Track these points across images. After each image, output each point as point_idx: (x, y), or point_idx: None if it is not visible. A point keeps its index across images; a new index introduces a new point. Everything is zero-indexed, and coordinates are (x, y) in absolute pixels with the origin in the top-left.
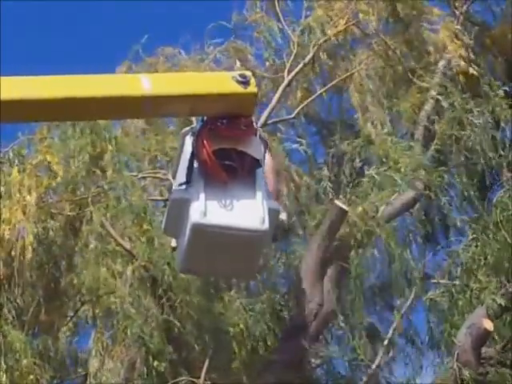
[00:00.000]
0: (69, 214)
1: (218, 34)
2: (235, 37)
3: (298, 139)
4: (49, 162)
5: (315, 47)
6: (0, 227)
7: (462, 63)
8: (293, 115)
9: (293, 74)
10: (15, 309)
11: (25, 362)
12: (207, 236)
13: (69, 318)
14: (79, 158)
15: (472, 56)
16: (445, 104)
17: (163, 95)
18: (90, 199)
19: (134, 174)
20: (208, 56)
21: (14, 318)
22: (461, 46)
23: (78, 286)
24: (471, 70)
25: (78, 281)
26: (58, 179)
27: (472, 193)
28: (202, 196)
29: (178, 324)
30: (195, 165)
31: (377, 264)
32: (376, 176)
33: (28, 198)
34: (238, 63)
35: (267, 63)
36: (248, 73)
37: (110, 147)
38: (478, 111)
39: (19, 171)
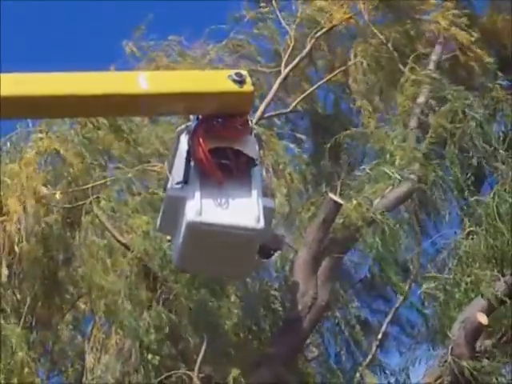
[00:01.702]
0: (65, 206)
1: (218, 33)
2: (235, 33)
3: (298, 135)
4: (48, 153)
5: (312, 40)
6: None
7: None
8: (289, 109)
9: (290, 67)
10: (12, 302)
11: (20, 354)
12: (202, 234)
13: (66, 312)
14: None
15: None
16: (436, 98)
17: (159, 93)
18: (89, 191)
19: (122, 167)
20: (209, 52)
21: (10, 311)
22: (459, 33)
23: (74, 280)
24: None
25: (74, 274)
26: (57, 170)
27: (466, 186)
28: (198, 194)
29: (173, 317)
30: (191, 163)
31: (371, 255)
32: (370, 170)
33: (26, 189)
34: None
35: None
36: (244, 72)
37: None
38: (474, 103)
39: (17, 162)
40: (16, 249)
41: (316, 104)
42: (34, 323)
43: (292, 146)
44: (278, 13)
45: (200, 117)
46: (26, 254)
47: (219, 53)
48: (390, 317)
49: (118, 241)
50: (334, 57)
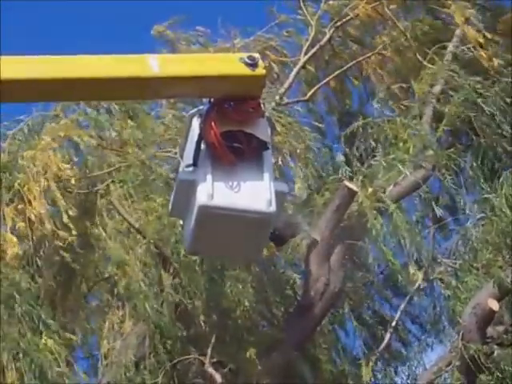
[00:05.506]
0: (80, 191)
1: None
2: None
3: (314, 123)
4: (66, 137)
5: (331, 29)
6: (13, 204)
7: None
8: (306, 97)
9: (308, 55)
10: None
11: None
12: (214, 218)
13: (84, 296)
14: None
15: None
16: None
17: (170, 76)
18: (105, 176)
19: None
20: (234, 45)
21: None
22: (474, 29)
23: (92, 265)
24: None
25: (92, 259)
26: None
27: (480, 173)
28: (209, 178)
29: (186, 301)
30: (202, 147)
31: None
32: (384, 157)
33: (44, 175)
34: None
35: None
36: (256, 55)
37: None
38: (489, 92)
39: (34, 147)
40: (34, 234)
41: (338, 94)
42: (53, 309)
43: (312, 134)
44: (303, 7)
45: (212, 100)
46: (44, 239)
47: (245, 47)
48: (403, 304)
49: (132, 225)
50: (356, 47)
